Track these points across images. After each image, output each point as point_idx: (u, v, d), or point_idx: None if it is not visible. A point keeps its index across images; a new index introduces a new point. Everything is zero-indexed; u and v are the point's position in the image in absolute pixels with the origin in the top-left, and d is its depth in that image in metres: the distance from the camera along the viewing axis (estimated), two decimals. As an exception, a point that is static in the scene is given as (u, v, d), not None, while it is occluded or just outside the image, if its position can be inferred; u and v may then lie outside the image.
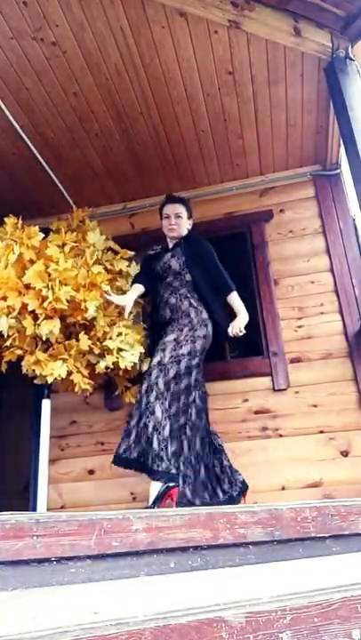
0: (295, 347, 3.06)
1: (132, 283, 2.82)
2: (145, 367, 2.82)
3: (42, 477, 2.63)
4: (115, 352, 2.64)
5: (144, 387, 2.36)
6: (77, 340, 2.60)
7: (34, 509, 2.63)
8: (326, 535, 1.23)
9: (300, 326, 3.11)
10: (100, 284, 2.60)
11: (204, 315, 2.59)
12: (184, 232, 2.79)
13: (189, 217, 2.84)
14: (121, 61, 2.63)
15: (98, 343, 2.65)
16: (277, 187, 3.51)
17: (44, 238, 2.66)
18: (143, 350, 2.75)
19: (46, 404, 2.79)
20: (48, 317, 2.48)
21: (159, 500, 2.14)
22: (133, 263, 3.03)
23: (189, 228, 2.84)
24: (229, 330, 2.55)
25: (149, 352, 2.72)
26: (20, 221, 2.72)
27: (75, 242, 2.78)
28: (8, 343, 2.48)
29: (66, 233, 2.77)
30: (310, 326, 3.10)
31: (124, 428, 2.39)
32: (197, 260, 2.69)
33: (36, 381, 2.64)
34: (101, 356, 2.68)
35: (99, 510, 1.27)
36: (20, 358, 2.56)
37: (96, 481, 3.02)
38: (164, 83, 2.77)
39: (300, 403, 2.92)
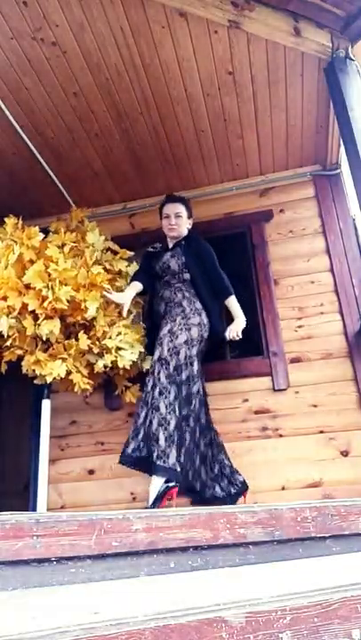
0: (295, 347, 3.06)
1: (131, 280, 2.81)
2: (146, 366, 2.82)
3: (42, 477, 2.63)
4: (113, 351, 2.65)
5: (149, 384, 2.38)
6: (77, 339, 2.60)
7: (34, 509, 2.64)
8: (326, 535, 1.23)
9: (300, 326, 3.11)
10: (99, 284, 2.60)
11: (198, 305, 2.58)
12: (184, 232, 2.79)
13: (189, 216, 2.84)
14: (121, 61, 2.63)
15: (97, 343, 2.65)
16: (277, 187, 3.51)
17: (43, 239, 2.66)
18: (143, 349, 2.76)
19: (46, 404, 2.79)
20: (48, 317, 2.48)
21: (159, 500, 2.15)
22: (134, 263, 3.03)
23: (189, 227, 2.83)
24: (226, 333, 2.55)
25: (149, 351, 2.72)
26: (20, 222, 2.72)
27: (74, 242, 2.78)
28: (8, 343, 2.48)
29: (65, 233, 2.77)
30: (310, 326, 3.09)
31: (132, 428, 2.38)
32: (197, 261, 2.69)
33: (35, 381, 2.64)
34: (100, 355, 2.68)
35: (99, 510, 1.27)
36: (20, 358, 2.56)
37: (96, 481, 3.02)
38: (164, 83, 2.77)
39: (300, 403, 2.92)
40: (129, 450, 2.32)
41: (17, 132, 2.98)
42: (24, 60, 2.59)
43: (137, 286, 2.75)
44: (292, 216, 3.41)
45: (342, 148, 2.77)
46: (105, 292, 2.59)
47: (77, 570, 1.03)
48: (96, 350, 2.65)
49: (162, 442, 2.22)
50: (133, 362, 2.72)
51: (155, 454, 2.20)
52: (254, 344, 3.16)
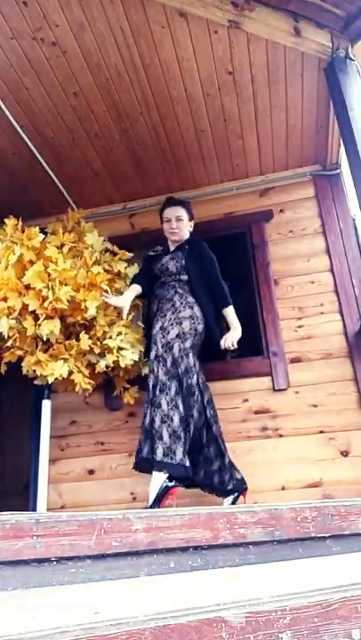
0: (295, 347, 3.06)
1: (131, 283, 2.81)
2: (145, 371, 2.81)
3: (42, 477, 2.63)
4: (115, 351, 2.65)
5: (150, 383, 2.39)
6: (77, 339, 2.60)
7: (34, 509, 2.64)
8: (326, 535, 1.23)
9: (300, 326, 3.11)
10: (99, 284, 2.60)
11: (190, 298, 2.57)
12: (186, 235, 2.79)
13: (190, 219, 2.83)
14: (121, 61, 2.63)
15: (98, 343, 2.66)
16: (277, 187, 3.51)
17: (43, 239, 2.66)
18: (143, 349, 2.76)
19: (46, 405, 2.79)
20: (49, 317, 2.48)
21: (159, 499, 2.14)
22: (135, 265, 3.02)
23: (191, 230, 2.84)
24: (222, 342, 2.55)
25: (148, 353, 2.71)
26: (20, 223, 2.72)
27: (73, 242, 2.78)
28: (9, 344, 2.48)
29: (63, 234, 2.77)
30: (310, 326, 3.09)
31: (141, 431, 2.37)
32: (198, 266, 2.68)
33: (36, 382, 2.64)
34: (101, 355, 2.68)
35: (99, 510, 1.27)
36: (20, 359, 2.56)
37: (96, 481, 3.02)
38: (164, 83, 2.77)
39: (300, 403, 2.92)
40: (144, 454, 2.31)
41: (17, 131, 2.98)
42: (24, 60, 2.59)
43: (136, 289, 2.75)
44: (292, 216, 3.41)
45: (342, 148, 2.77)
46: (104, 296, 2.59)
47: (77, 570, 1.03)
48: (97, 350, 2.66)
49: (166, 438, 2.21)
50: (135, 361, 2.72)
51: (160, 451, 2.20)
52: (254, 344, 3.16)
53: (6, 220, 2.73)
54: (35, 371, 2.52)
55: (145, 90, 2.81)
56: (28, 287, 2.46)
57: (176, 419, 2.26)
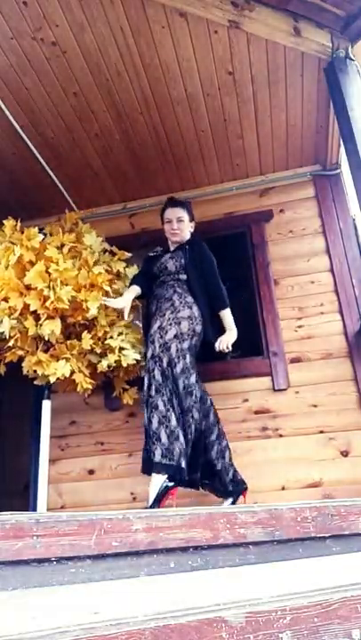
0: (295, 347, 3.06)
1: (130, 284, 2.81)
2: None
3: (42, 477, 2.63)
4: (117, 350, 2.65)
5: (146, 383, 2.37)
6: (78, 339, 2.60)
7: (34, 509, 2.63)
8: (326, 535, 1.23)
9: (300, 326, 3.11)
10: (100, 285, 2.60)
11: (189, 298, 2.56)
12: (187, 236, 2.79)
13: (191, 219, 2.84)
14: (121, 61, 2.63)
15: (99, 342, 2.66)
16: (277, 187, 3.51)
17: (42, 240, 2.66)
18: (143, 349, 2.76)
19: (46, 405, 2.79)
20: (50, 317, 2.48)
21: (159, 500, 2.14)
22: (135, 266, 3.02)
23: (192, 230, 2.84)
24: (217, 344, 2.53)
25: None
26: (19, 223, 2.71)
27: (73, 243, 2.78)
28: (10, 344, 2.48)
29: (63, 235, 2.77)
30: (310, 326, 3.09)
31: (150, 434, 2.31)
32: (198, 267, 2.67)
33: (36, 382, 2.65)
34: (103, 355, 2.68)
35: (99, 510, 1.27)
36: (21, 359, 2.56)
37: (96, 481, 3.02)
38: (164, 83, 2.77)
39: (300, 403, 2.92)
40: (146, 455, 2.29)
41: (17, 131, 2.98)
42: (24, 60, 2.59)
43: (135, 289, 2.75)
44: (293, 216, 3.41)
45: (342, 148, 2.77)
46: (103, 299, 2.59)
47: (77, 570, 1.03)
48: (98, 350, 2.66)
49: (164, 440, 2.21)
50: (137, 361, 2.72)
51: (158, 453, 2.20)
52: (254, 344, 3.16)
53: (5, 222, 2.73)
54: (35, 371, 2.52)
55: (145, 90, 2.81)
56: (29, 287, 2.46)
57: (173, 419, 2.26)
